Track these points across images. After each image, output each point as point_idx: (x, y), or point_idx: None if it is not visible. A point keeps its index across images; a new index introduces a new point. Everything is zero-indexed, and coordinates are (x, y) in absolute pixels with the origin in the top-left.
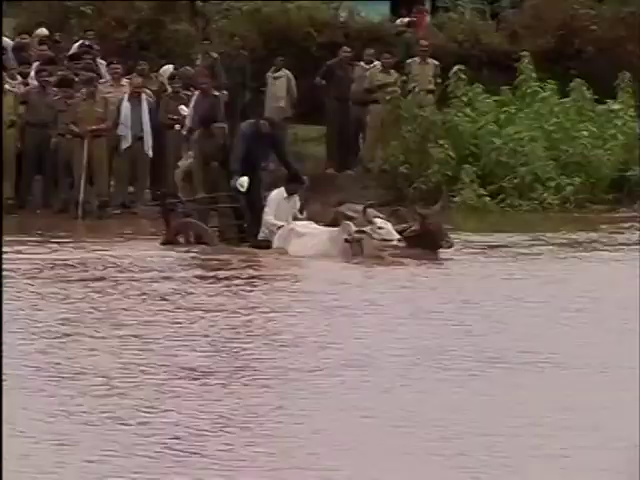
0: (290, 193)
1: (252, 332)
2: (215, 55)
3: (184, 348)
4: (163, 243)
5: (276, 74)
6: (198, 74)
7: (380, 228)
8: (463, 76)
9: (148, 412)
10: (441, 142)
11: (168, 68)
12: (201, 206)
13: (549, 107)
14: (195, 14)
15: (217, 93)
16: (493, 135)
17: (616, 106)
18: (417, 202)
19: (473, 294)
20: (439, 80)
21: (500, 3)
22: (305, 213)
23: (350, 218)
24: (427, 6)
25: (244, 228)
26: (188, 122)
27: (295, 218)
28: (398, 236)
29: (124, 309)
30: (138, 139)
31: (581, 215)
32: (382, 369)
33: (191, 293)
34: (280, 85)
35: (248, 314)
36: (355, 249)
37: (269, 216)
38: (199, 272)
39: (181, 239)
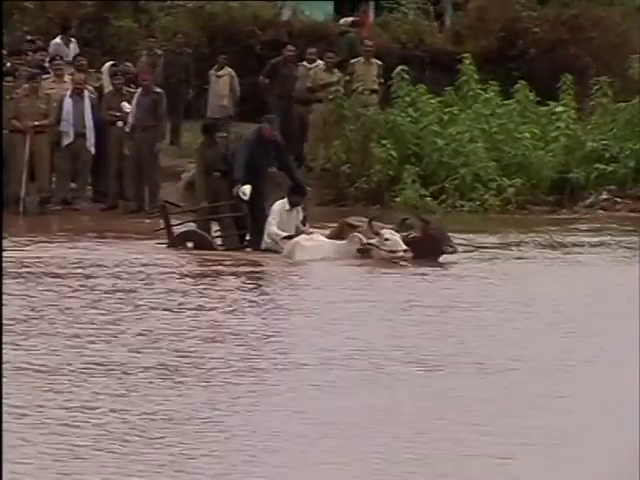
0: (293, 205)
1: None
2: (159, 52)
3: (109, 344)
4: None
5: (219, 72)
6: (140, 71)
7: (387, 240)
8: (406, 76)
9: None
10: (383, 142)
11: (108, 65)
12: (203, 216)
13: (491, 108)
14: (139, 11)
15: (159, 90)
16: (435, 135)
17: (558, 108)
18: (359, 202)
19: (402, 296)
20: (382, 80)
21: (443, 4)
22: (308, 224)
23: (355, 227)
24: (371, 6)
25: (246, 238)
26: (130, 119)
27: (298, 230)
28: (405, 247)
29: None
30: (80, 135)
31: (522, 217)
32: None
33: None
34: (223, 83)
35: (196, 312)
36: (365, 258)
37: (272, 226)
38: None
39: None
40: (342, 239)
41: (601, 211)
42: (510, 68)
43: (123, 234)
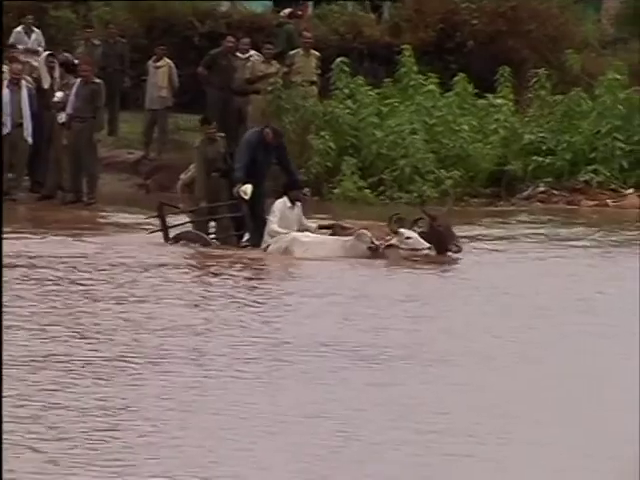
0: (293, 201)
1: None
2: (96, 42)
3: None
4: None
5: (158, 63)
6: (80, 61)
7: (408, 238)
8: (345, 68)
9: None
10: (322, 133)
11: (45, 55)
12: (201, 217)
13: (430, 100)
14: (77, 1)
15: (98, 81)
16: (374, 127)
17: (497, 101)
18: None
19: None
20: (320, 72)
21: None
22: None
23: (347, 229)
24: None
25: (243, 239)
26: (69, 109)
27: (301, 226)
28: (428, 245)
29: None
30: (18, 125)
31: (460, 209)
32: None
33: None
34: (162, 74)
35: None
36: (375, 257)
37: (273, 224)
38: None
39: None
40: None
41: (538, 203)
42: (448, 60)
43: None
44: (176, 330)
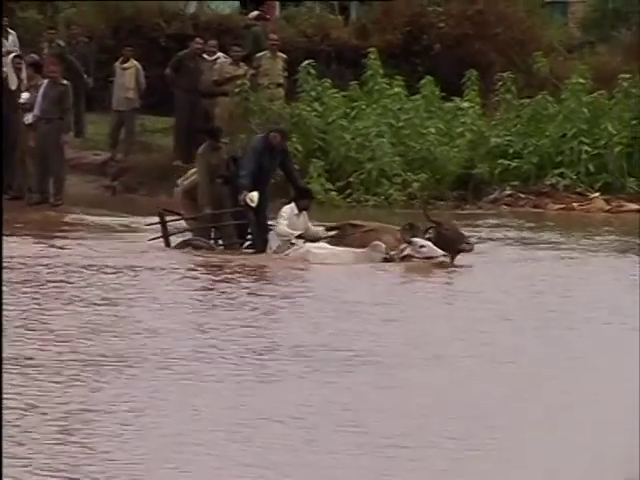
0: (301, 209)
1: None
2: (62, 44)
3: None
4: None
5: (124, 65)
6: (47, 62)
7: (422, 247)
8: (312, 70)
9: None
10: (289, 136)
11: (11, 56)
12: (204, 224)
13: (397, 103)
14: (44, 1)
15: (66, 82)
16: (341, 130)
17: (463, 104)
18: None
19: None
20: (287, 74)
21: None
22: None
23: (358, 227)
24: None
25: (248, 246)
26: (36, 110)
27: (308, 232)
28: (442, 252)
29: None
30: None
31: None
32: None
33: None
34: (129, 76)
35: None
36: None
37: (283, 226)
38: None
39: None
40: (345, 241)
41: (505, 206)
42: (415, 63)
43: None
44: (141, 333)
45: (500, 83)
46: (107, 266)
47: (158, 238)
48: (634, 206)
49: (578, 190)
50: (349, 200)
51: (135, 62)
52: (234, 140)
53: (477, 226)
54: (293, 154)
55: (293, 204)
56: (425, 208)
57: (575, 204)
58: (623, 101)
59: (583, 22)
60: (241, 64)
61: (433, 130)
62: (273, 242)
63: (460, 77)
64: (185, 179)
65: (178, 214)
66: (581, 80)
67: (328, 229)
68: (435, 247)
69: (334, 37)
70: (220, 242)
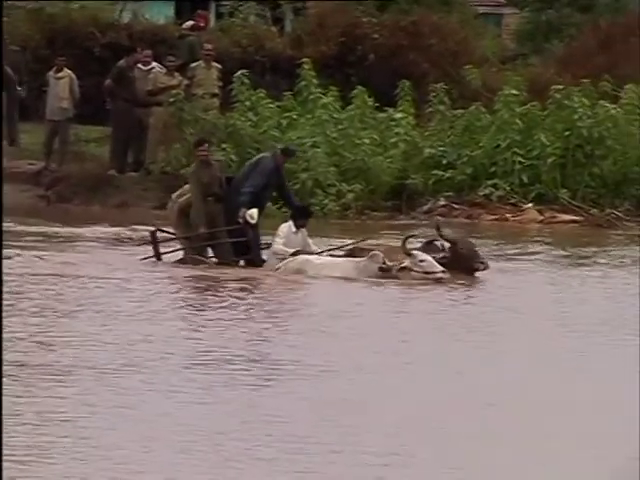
0: (298, 227)
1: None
2: None
3: None
4: None
5: (58, 74)
6: None
7: (422, 261)
8: (246, 81)
9: None
10: (224, 146)
11: None
12: (198, 242)
13: (331, 114)
14: None
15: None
16: (275, 140)
17: (397, 114)
18: None
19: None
20: (221, 84)
21: (283, 9)
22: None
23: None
24: (212, 10)
25: (245, 263)
26: None
27: (305, 250)
28: (441, 268)
29: None
30: None
31: (360, 222)
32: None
33: None
34: (62, 85)
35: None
36: (387, 278)
37: (279, 245)
38: None
39: None
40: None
41: (439, 217)
42: (349, 74)
43: None
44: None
45: (433, 94)
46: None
47: (149, 258)
48: (567, 217)
49: (511, 201)
50: (284, 210)
51: (69, 71)
52: (169, 150)
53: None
54: (228, 164)
55: (290, 222)
56: (438, 226)
57: (508, 215)
58: (556, 112)
59: (517, 34)
60: (175, 74)
61: (367, 140)
62: (269, 260)
63: (394, 88)
64: (180, 196)
65: (171, 233)
66: (514, 91)
67: (337, 251)
68: (435, 263)
69: (268, 48)
70: (216, 260)
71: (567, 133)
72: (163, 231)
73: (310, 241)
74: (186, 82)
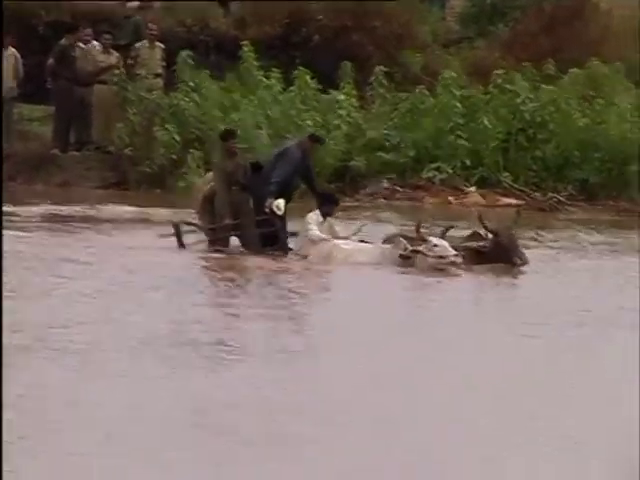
0: (325, 215)
1: None
2: None
3: None
4: None
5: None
6: None
7: (435, 246)
8: (190, 61)
9: None
10: (167, 126)
11: None
12: (224, 233)
13: (273, 95)
14: None
15: None
16: (218, 121)
17: (340, 96)
18: (141, 185)
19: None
20: (165, 64)
21: None
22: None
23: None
24: None
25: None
26: None
27: (334, 236)
28: (454, 252)
29: None
30: None
31: (303, 204)
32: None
33: None
34: (7, 64)
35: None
36: (407, 265)
37: (315, 231)
38: None
39: None
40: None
41: (382, 200)
42: (294, 55)
43: None
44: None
45: (374, 77)
46: None
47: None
48: (509, 200)
49: (454, 184)
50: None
51: (13, 50)
52: (112, 130)
53: (355, 219)
54: (171, 144)
55: (317, 211)
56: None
57: (451, 198)
58: (498, 96)
59: (461, 17)
60: (112, 52)
61: (310, 122)
62: (304, 247)
63: (338, 69)
64: (205, 183)
65: (196, 225)
66: (453, 74)
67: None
68: (449, 247)
69: (213, 27)
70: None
71: (510, 117)
72: (188, 223)
73: (337, 228)
74: (130, 62)
